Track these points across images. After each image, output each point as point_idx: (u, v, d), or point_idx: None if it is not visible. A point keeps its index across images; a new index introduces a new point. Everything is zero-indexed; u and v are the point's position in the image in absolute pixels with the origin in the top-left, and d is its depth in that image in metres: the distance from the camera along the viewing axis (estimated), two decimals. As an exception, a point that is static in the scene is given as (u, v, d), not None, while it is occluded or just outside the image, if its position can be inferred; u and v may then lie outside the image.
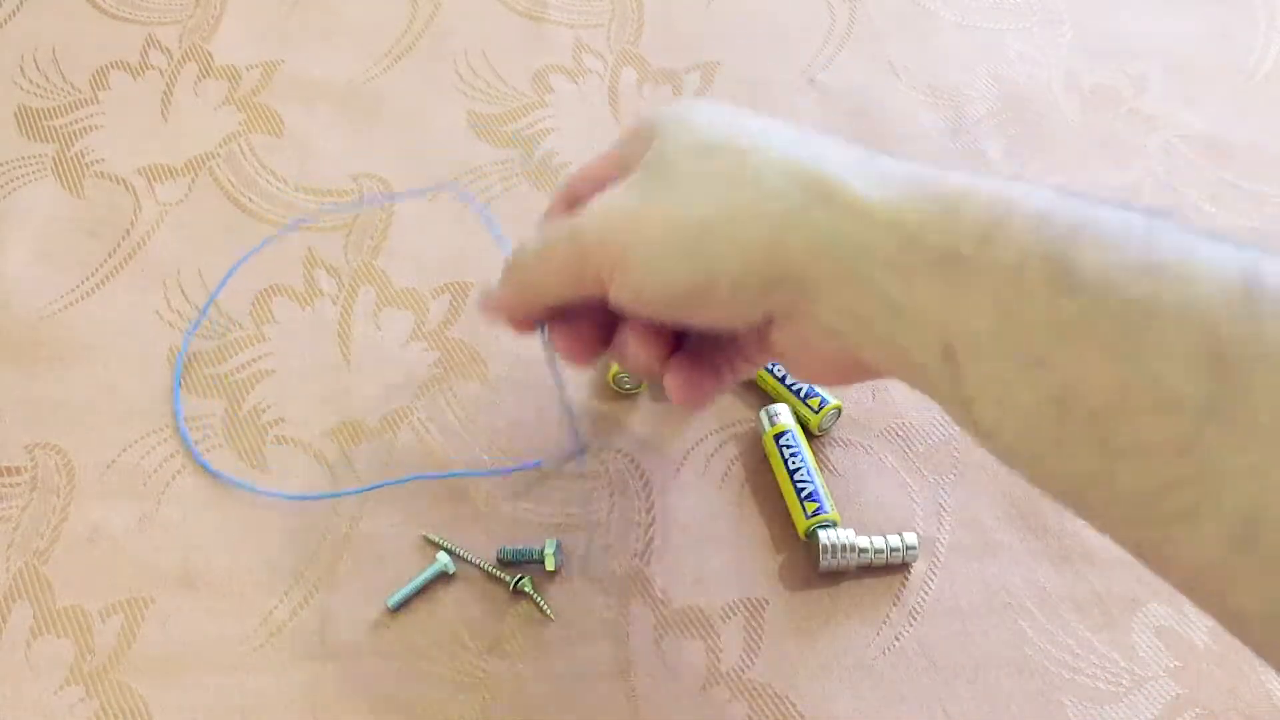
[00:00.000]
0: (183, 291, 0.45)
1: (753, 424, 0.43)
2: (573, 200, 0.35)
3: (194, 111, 0.51)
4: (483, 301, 0.36)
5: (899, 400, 0.44)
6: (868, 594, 0.40)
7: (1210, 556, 0.24)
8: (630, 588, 0.39)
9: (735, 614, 0.39)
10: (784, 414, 0.42)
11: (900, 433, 0.43)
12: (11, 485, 0.40)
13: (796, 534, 0.40)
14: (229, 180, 0.49)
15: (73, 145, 0.49)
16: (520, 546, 0.39)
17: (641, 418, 0.43)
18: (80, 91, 0.51)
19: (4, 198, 0.48)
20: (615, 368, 0.43)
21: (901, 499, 0.42)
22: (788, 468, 0.41)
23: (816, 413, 0.42)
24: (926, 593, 0.40)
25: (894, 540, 0.40)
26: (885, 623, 0.39)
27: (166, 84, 0.52)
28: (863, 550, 0.39)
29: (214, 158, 0.49)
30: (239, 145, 0.50)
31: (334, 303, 0.45)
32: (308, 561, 0.39)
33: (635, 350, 0.34)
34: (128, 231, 0.47)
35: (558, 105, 0.52)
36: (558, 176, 0.50)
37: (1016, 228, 0.25)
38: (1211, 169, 0.52)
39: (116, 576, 0.39)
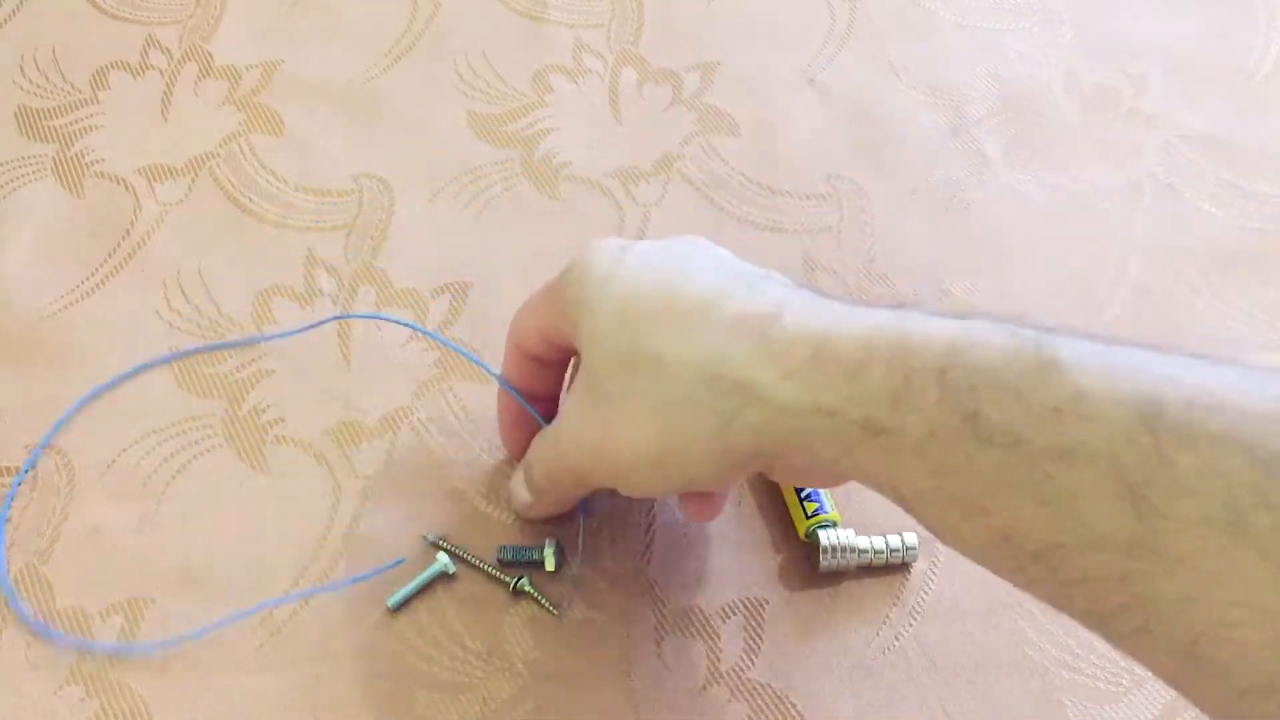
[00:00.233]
0: (183, 291, 0.45)
1: (753, 424, 0.43)
2: (523, 351, 0.38)
3: (194, 111, 0.51)
4: (523, 512, 0.40)
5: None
6: (868, 594, 0.40)
7: (1168, 669, 0.26)
8: (630, 588, 0.39)
9: (735, 614, 0.39)
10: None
11: (900, 433, 0.43)
12: (12, 485, 0.40)
13: (796, 534, 0.40)
14: (229, 180, 0.49)
15: (73, 145, 0.49)
16: (520, 546, 0.39)
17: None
18: (80, 91, 0.51)
19: (4, 198, 0.48)
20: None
21: (901, 499, 0.42)
22: (788, 468, 0.41)
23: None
24: (926, 593, 0.40)
25: (894, 540, 0.40)
26: (885, 623, 0.39)
27: (166, 84, 0.52)
28: (863, 550, 0.39)
29: (214, 158, 0.49)
30: (239, 145, 0.50)
31: (334, 303, 0.45)
32: (308, 561, 0.39)
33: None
34: (128, 231, 0.47)
35: (558, 105, 0.52)
36: (558, 176, 0.50)
37: (919, 391, 0.27)
38: (1211, 169, 0.52)
39: (116, 576, 0.39)
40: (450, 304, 0.46)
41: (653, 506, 0.41)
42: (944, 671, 0.38)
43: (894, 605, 0.40)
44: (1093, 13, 0.58)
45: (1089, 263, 0.49)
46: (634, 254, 0.34)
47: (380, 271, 0.46)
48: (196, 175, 0.49)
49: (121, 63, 0.52)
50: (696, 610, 0.39)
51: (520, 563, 0.39)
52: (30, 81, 0.51)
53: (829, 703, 0.38)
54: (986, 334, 0.27)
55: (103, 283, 0.46)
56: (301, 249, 0.47)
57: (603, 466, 0.34)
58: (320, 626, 0.38)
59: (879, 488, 0.30)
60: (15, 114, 0.50)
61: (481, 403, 0.43)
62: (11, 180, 0.48)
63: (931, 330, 0.28)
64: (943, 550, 0.41)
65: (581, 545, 0.39)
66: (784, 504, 0.41)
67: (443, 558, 0.39)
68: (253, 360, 0.44)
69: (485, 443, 0.42)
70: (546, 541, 0.39)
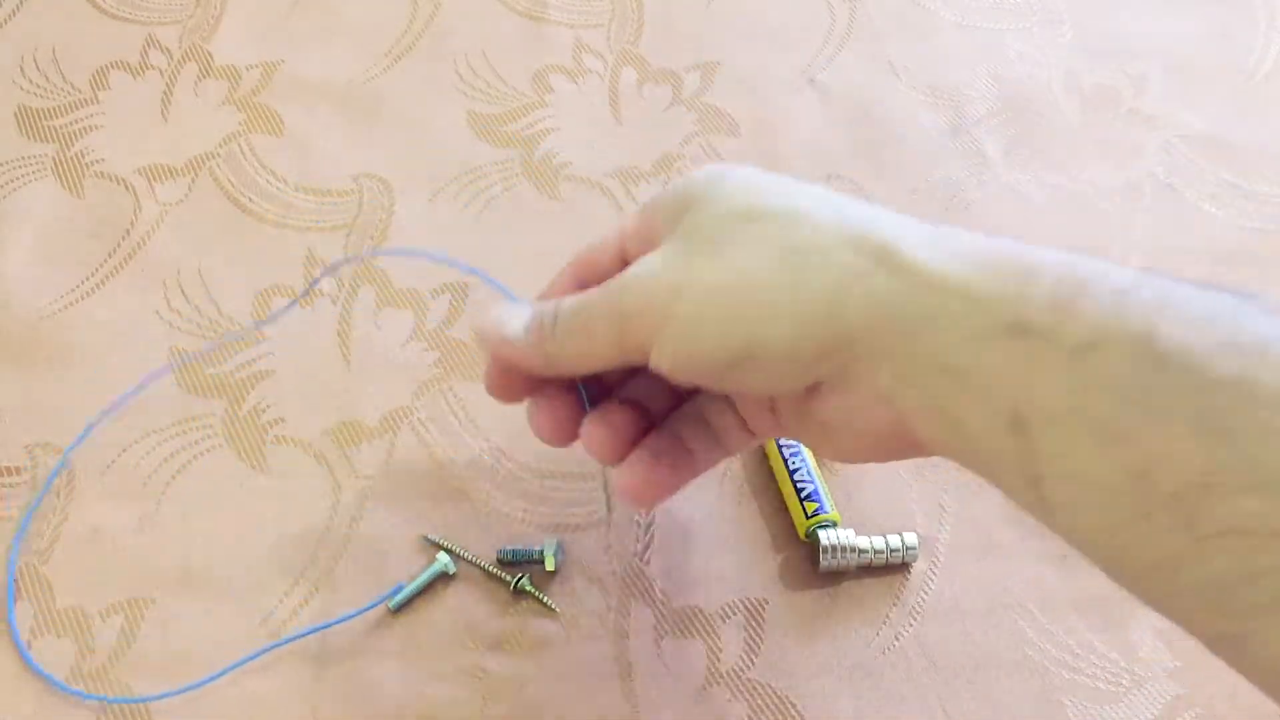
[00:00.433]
0: (183, 291, 0.45)
1: (753, 424, 0.43)
2: (581, 278, 0.34)
3: (194, 111, 0.51)
4: (496, 346, 0.33)
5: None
6: (868, 594, 0.40)
7: None
8: (630, 588, 0.39)
9: (735, 614, 0.39)
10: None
11: (900, 433, 0.43)
12: (11, 485, 0.40)
13: (796, 534, 0.40)
14: (229, 180, 0.49)
15: (73, 145, 0.49)
16: (520, 547, 0.39)
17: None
18: (80, 91, 0.51)
19: (4, 198, 0.48)
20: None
21: (901, 499, 0.42)
22: (788, 468, 0.41)
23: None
24: (926, 593, 0.40)
25: (894, 540, 0.40)
26: (885, 623, 0.39)
27: (166, 84, 0.52)
28: (863, 550, 0.39)
29: (214, 158, 0.49)
30: (239, 145, 0.50)
31: (334, 303, 0.45)
32: (308, 561, 0.39)
33: (596, 434, 0.33)
34: (128, 231, 0.47)
35: (558, 105, 0.52)
36: (558, 176, 0.50)
37: (1094, 301, 0.24)
38: (1211, 169, 0.52)
39: (116, 576, 0.39)
40: (450, 304, 0.46)
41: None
42: (944, 671, 0.38)
43: (894, 605, 0.40)
44: (1093, 13, 0.58)
45: (1089, 263, 0.49)
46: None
47: (380, 271, 0.46)
48: (196, 175, 0.49)
49: (121, 63, 0.52)
50: (696, 610, 0.39)
51: (520, 563, 0.39)
52: (30, 81, 0.51)
53: (829, 703, 0.38)
54: (1178, 281, 0.25)
55: (103, 283, 0.46)
56: (301, 249, 0.47)
57: (664, 302, 0.29)
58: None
59: (982, 415, 0.26)
60: (15, 114, 0.50)
61: (482, 403, 0.43)
62: (11, 180, 0.48)
63: (1111, 269, 0.26)
64: (943, 550, 0.41)
65: (608, 498, 0.36)
66: (784, 504, 0.41)
67: (443, 558, 0.39)
68: (253, 360, 0.44)
69: (485, 443, 0.42)
70: (546, 541, 0.39)
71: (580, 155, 0.51)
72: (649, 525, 0.41)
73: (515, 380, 0.35)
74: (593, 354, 0.31)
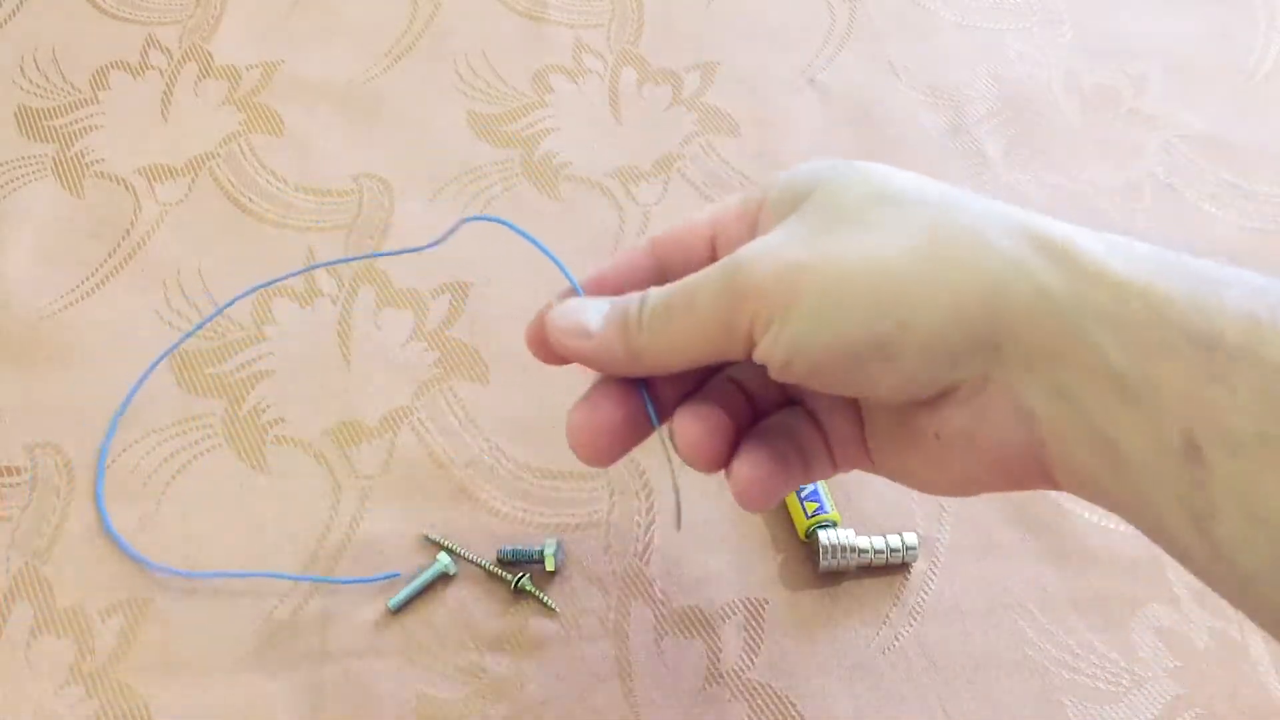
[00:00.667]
0: (183, 291, 0.45)
1: (753, 424, 0.43)
2: (661, 256, 0.31)
3: (194, 111, 0.51)
4: (574, 341, 0.29)
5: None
6: (868, 594, 0.40)
7: None
8: (630, 588, 0.39)
9: (735, 614, 0.39)
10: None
11: (900, 433, 0.43)
12: (11, 485, 0.40)
13: (796, 534, 0.40)
14: (229, 180, 0.49)
15: (73, 145, 0.49)
16: (520, 546, 0.39)
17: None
18: (80, 91, 0.51)
19: (4, 198, 0.48)
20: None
21: (901, 499, 0.42)
22: (788, 468, 0.41)
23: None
24: (926, 593, 0.40)
25: (894, 540, 0.40)
26: (885, 623, 0.39)
27: (166, 84, 0.52)
28: (863, 550, 0.39)
29: (214, 158, 0.49)
30: (239, 145, 0.50)
31: (334, 303, 0.45)
32: (308, 561, 0.39)
33: (693, 430, 0.28)
34: (128, 231, 0.47)
35: (558, 105, 0.52)
36: (558, 176, 0.50)
37: None
38: (1211, 169, 0.52)
39: (116, 576, 0.39)
40: (450, 304, 0.46)
41: (653, 507, 0.41)
42: (944, 671, 0.38)
43: (894, 605, 0.40)
44: (1093, 13, 0.58)
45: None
46: None
47: (380, 271, 0.46)
48: (196, 175, 0.49)
49: (121, 63, 0.52)
50: (696, 610, 0.39)
51: (520, 563, 0.39)
52: (30, 81, 0.51)
53: (829, 703, 0.38)
54: None
55: (103, 283, 0.46)
56: (302, 249, 0.47)
57: (789, 280, 0.25)
58: (320, 626, 0.38)
59: (1145, 436, 0.22)
60: (15, 114, 0.50)
61: (482, 403, 0.43)
62: (11, 180, 0.48)
63: None
64: (943, 550, 0.41)
65: (678, 509, 0.33)
66: (784, 504, 0.41)
67: (443, 558, 0.39)
68: (253, 360, 0.44)
69: (485, 443, 0.42)
70: (546, 541, 0.39)
71: (580, 155, 0.51)
72: (649, 525, 0.41)
73: (616, 391, 0.30)
74: (690, 345, 0.27)
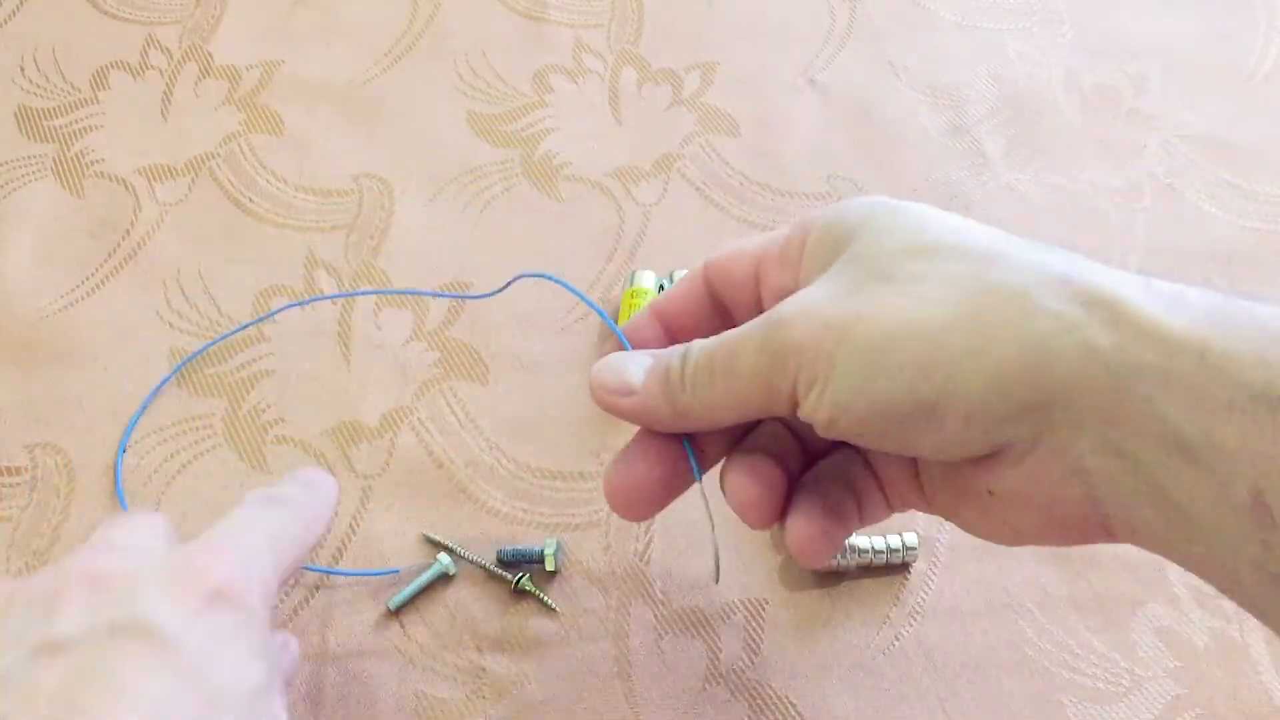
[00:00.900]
0: (183, 291, 0.45)
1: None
2: (713, 282, 0.31)
3: (194, 111, 0.51)
4: (619, 400, 0.29)
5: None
6: (868, 594, 0.40)
7: None
8: (630, 588, 0.39)
9: (735, 614, 0.39)
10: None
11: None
12: (11, 485, 0.40)
13: (796, 534, 0.40)
14: (229, 180, 0.49)
15: (73, 145, 0.49)
16: (520, 546, 0.39)
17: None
18: (80, 91, 0.51)
19: (4, 198, 0.48)
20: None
21: (901, 499, 0.42)
22: (788, 468, 0.41)
23: None
24: (926, 593, 0.40)
25: (894, 540, 0.40)
26: (885, 623, 0.39)
27: (166, 84, 0.52)
28: (863, 550, 0.39)
29: (214, 158, 0.49)
30: (239, 145, 0.50)
31: (334, 303, 0.45)
32: (307, 561, 0.39)
33: (747, 490, 0.28)
34: (128, 232, 0.47)
35: (558, 105, 0.52)
36: (558, 176, 0.50)
37: None
38: (1211, 169, 0.52)
39: (116, 576, 0.39)
40: (450, 304, 0.46)
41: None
42: (944, 671, 0.38)
43: (894, 605, 0.40)
44: (1093, 13, 0.58)
45: (1089, 263, 0.49)
46: None
47: (380, 271, 0.46)
48: (196, 175, 0.49)
49: (121, 63, 0.52)
50: (696, 610, 0.39)
51: (520, 562, 0.39)
52: (30, 81, 0.51)
53: (829, 703, 0.38)
54: None
55: (103, 283, 0.46)
56: (302, 249, 0.47)
57: (831, 340, 0.25)
58: (320, 626, 0.38)
59: (1208, 495, 0.22)
60: (15, 114, 0.50)
61: (482, 403, 0.43)
62: (11, 180, 0.48)
63: None
64: (943, 550, 0.41)
65: (716, 562, 0.33)
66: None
67: (444, 558, 0.39)
68: (253, 360, 0.44)
69: (485, 442, 0.42)
70: (546, 541, 0.39)
71: (580, 155, 0.51)
72: (649, 525, 0.41)
73: (657, 447, 0.30)
74: (735, 403, 0.27)
